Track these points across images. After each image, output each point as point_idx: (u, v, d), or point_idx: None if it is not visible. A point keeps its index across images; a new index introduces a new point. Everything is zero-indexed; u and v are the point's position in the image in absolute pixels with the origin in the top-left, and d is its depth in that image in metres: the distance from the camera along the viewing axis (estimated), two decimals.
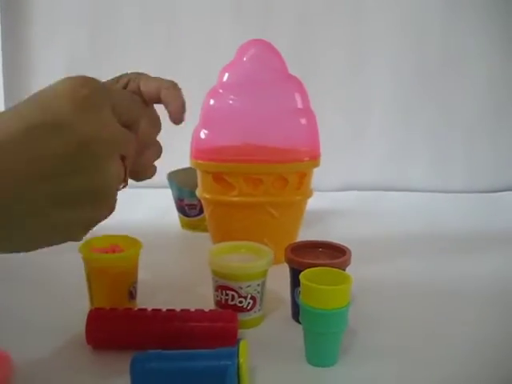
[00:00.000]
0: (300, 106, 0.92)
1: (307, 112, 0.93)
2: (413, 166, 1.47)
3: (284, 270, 0.75)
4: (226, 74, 0.92)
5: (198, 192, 0.95)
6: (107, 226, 0.86)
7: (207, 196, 0.93)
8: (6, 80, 1.40)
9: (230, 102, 0.90)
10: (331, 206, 1.30)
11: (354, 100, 1.46)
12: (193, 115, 0.91)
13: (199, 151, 0.91)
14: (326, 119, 1.42)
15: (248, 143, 0.89)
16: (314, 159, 0.93)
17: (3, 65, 1.39)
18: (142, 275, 0.78)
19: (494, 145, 1.46)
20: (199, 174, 0.94)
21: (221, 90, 0.92)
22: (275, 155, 0.88)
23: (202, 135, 0.91)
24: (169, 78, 0.66)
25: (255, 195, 0.89)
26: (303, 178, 0.92)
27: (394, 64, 1.43)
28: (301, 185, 0.92)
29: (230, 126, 0.90)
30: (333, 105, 1.43)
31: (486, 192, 1.43)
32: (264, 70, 0.91)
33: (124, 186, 0.56)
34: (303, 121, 0.92)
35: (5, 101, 1.39)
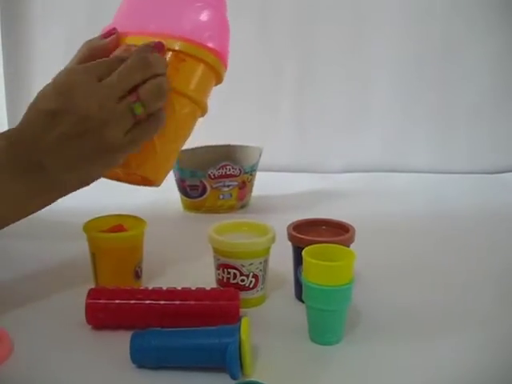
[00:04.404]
0: None
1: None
2: (415, 147, 1.45)
3: (287, 250, 0.74)
4: None
5: None
6: (109, 207, 0.86)
7: None
8: (6, 61, 1.38)
9: None
10: (334, 187, 1.29)
11: (356, 82, 1.44)
12: None
13: None
14: (327, 101, 1.43)
15: None
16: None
17: (2, 43, 1.37)
18: (145, 256, 0.77)
19: (496, 125, 1.45)
20: None
21: None
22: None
23: None
24: None
25: None
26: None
27: (397, 45, 1.41)
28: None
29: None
30: (335, 87, 1.41)
31: (489, 173, 1.41)
32: None
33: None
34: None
35: (5, 79, 1.38)
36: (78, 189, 0.67)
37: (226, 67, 0.75)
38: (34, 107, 0.65)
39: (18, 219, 0.65)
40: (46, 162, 0.63)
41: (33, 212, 0.66)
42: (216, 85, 0.77)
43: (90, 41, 0.70)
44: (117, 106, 0.64)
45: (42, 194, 0.65)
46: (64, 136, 0.62)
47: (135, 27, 0.71)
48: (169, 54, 0.69)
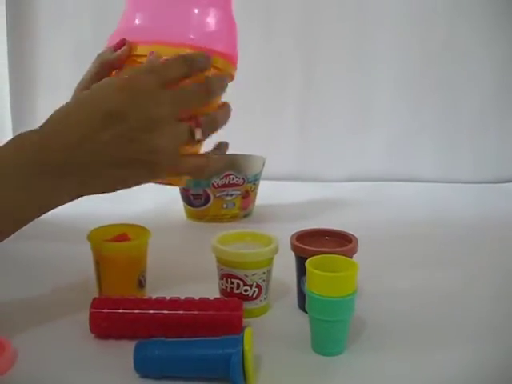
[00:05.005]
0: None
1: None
2: (419, 156, 1.46)
3: (290, 259, 0.74)
4: None
5: None
6: (113, 216, 0.87)
7: None
8: (12, 67, 1.39)
9: None
10: (337, 196, 1.29)
11: (360, 91, 1.44)
12: None
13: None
14: (331, 111, 1.43)
15: None
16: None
17: (9, 52, 1.38)
18: (148, 265, 0.77)
19: (500, 134, 1.45)
20: None
21: None
22: None
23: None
24: None
25: None
26: None
27: (400, 52, 1.42)
28: None
29: None
30: (338, 97, 1.42)
31: (493, 182, 1.42)
32: None
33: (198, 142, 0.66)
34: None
35: (10, 87, 1.38)
36: (98, 194, 0.64)
37: (235, 67, 0.75)
38: (87, 106, 0.61)
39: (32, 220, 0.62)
40: (82, 164, 0.60)
41: (44, 213, 0.62)
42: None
43: (102, 54, 0.69)
44: (179, 124, 0.63)
45: (57, 196, 0.62)
46: (115, 139, 0.60)
47: (143, 36, 0.70)
48: None
